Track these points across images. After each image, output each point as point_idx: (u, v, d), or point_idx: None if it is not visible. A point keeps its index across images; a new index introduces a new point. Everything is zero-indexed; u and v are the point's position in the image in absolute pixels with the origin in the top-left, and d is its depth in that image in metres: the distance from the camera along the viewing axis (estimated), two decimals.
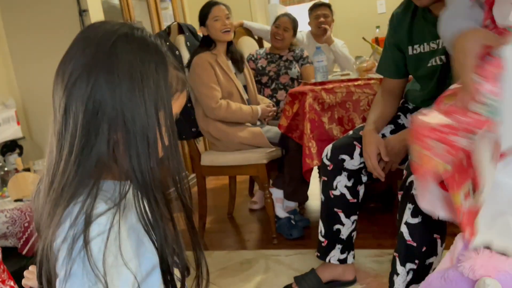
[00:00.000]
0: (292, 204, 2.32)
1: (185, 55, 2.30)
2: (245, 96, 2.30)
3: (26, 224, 1.74)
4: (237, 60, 2.32)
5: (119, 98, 0.61)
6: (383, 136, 1.53)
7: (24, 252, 1.72)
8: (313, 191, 2.72)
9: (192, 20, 3.36)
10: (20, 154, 2.27)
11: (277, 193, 2.26)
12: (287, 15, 2.73)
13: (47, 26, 2.44)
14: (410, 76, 1.60)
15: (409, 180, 1.21)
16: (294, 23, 2.71)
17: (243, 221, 2.59)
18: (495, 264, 0.74)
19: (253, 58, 2.71)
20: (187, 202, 0.68)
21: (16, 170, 2.05)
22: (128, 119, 0.61)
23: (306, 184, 2.28)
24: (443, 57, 1.37)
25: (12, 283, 1.22)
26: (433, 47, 1.40)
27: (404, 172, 1.25)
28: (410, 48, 1.46)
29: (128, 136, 0.61)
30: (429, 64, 1.41)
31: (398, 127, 1.54)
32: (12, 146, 2.29)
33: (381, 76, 1.70)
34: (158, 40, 0.68)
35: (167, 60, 0.67)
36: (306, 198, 2.43)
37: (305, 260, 1.90)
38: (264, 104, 2.34)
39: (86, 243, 0.56)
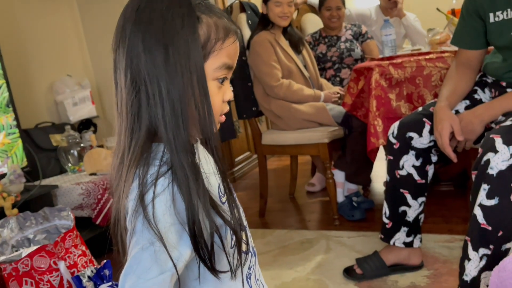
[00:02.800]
0: (354, 186, 2.25)
1: (246, 33, 2.29)
2: (306, 74, 2.25)
3: (99, 196, 1.85)
4: (295, 42, 2.27)
5: (144, 61, 0.60)
6: (457, 112, 1.41)
7: (97, 222, 1.85)
8: (378, 173, 2.63)
9: None
10: (94, 132, 2.42)
11: (338, 177, 2.20)
12: None
13: (119, 10, 2.56)
14: (490, 48, 1.46)
15: (484, 158, 1.11)
16: None
17: (304, 202, 2.56)
18: None
19: (310, 46, 2.61)
20: (219, 161, 0.65)
21: (91, 147, 2.19)
22: (154, 81, 0.60)
23: (370, 166, 2.19)
24: None
25: (84, 248, 1.31)
26: None
27: (480, 150, 1.14)
28: (491, 15, 1.32)
29: (154, 99, 0.60)
30: None
31: (475, 103, 1.41)
32: (87, 124, 2.45)
33: (456, 49, 1.56)
34: None
35: (195, 12, 0.62)
36: (368, 180, 2.34)
37: (368, 243, 1.84)
38: (328, 90, 2.28)
39: (144, 205, 0.57)
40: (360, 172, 2.16)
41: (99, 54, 2.66)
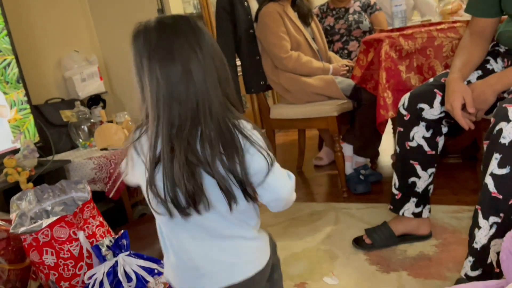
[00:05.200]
0: (362, 159, 2.26)
1: (254, 6, 2.26)
2: (314, 46, 2.23)
3: (111, 171, 1.88)
4: (304, 15, 2.24)
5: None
6: (469, 83, 1.40)
7: (110, 195, 1.88)
8: (386, 146, 2.64)
9: None
10: (103, 107, 2.43)
11: (347, 150, 2.21)
12: None
13: None
14: (503, 17, 1.43)
15: (497, 128, 1.11)
16: None
17: (312, 175, 2.59)
18: None
19: (318, 18, 2.57)
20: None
21: (101, 122, 2.20)
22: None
23: (378, 139, 2.20)
24: None
25: (101, 219, 1.34)
26: None
27: (492, 119, 1.14)
28: None
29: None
30: None
31: (487, 73, 1.40)
32: (96, 100, 2.45)
33: (468, 19, 1.54)
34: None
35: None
36: (377, 153, 2.35)
37: (377, 214, 1.87)
38: (336, 63, 2.26)
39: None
40: (368, 145, 2.17)
41: (106, 29, 2.64)
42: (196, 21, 0.80)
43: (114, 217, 1.90)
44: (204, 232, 0.81)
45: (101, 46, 2.68)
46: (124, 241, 1.18)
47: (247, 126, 0.80)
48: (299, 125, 2.31)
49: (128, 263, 1.15)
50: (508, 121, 1.08)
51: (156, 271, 1.18)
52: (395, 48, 1.77)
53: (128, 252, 1.17)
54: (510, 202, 1.11)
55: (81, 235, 1.20)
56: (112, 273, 1.13)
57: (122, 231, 1.20)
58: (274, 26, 2.10)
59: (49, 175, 1.83)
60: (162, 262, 1.24)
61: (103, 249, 1.14)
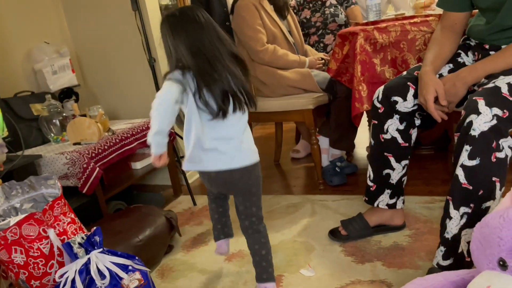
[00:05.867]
0: (338, 152, 2.29)
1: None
2: (290, 39, 2.22)
3: (84, 165, 1.83)
4: (280, 7, 2.23)
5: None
6: (440, 76, 1.43)
7: (84, 191, 1.84)
8: (361, 139, 2.67)
9: None
10: (76, 101, 2.36)
11: (323, 143, 2.23)
12: None
13: None
14: (474, 12, 1.46)
15: (467, 120, 1.13)
16: None
17: (289, 168, 2.60)
18: None
19: (294, 11, 2.58)
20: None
21: (74, 116, 2.14)
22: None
23: (353, 131, 2.22)
24: None
25: (72, 216, 1.30)
26: None
27: (462, 112, 1.17)
28: None
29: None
30: None
31: (458, 66, 1.43)
32: (68, 93, 2.38)
33: (440, 13, 1.56)
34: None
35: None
36: (352, 146, 2.38)
37: (352, 206, 1.89)
38: (312, 56, 2.26)
39: None
40: (344, 137, 2.19)
41: (77, 20, 2.56)
42: (197, 8, 1.21)
43: (89, 212, 1.86)
44: (223, 134, 1.20)
45: (72, 37, 2.60)
46: (97, 238, 1.15)
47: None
48: (275, 118, 2.32)
49: (101, 260, 1.13)
50: (478, 113, 1.10)
51: (130, 267, 1.16)
52: (370, 41, 1.78)
53: (101, 249, 1.15)
54: (480, 193, 1.14)
55: (51, 232, 1.17)
56: (85, 270, 1.10)
57: (94, 227, 1.17)
58: (250, 19, 2.09)
59: (19, 171, 1.77)
60: (136, 258, 1.22)
61: (75, 247, 1.11)
